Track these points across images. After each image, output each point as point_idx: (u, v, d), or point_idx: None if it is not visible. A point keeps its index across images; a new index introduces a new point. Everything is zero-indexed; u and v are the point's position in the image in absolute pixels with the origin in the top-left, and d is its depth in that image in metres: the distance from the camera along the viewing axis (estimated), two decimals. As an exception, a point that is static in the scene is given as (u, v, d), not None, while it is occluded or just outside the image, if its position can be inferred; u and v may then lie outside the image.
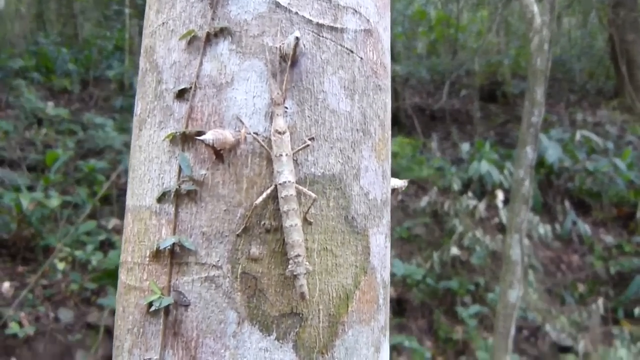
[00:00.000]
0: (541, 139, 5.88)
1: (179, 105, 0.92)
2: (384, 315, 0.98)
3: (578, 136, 6.45)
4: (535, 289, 5.46)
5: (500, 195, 5.85)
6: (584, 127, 7.05)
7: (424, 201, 6.22)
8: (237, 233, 0.86)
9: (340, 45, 0.95)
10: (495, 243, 5.74)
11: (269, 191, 0.86)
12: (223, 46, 0.92)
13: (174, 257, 0.87)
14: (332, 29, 0.95)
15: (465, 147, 6.74)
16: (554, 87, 7.70)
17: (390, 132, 1.07)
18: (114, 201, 5.93)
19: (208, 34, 0.92)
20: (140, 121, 0.99)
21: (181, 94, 0.92)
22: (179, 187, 0.89)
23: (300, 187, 0.87)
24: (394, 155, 6.27)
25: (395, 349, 4.87)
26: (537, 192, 6.00)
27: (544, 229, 5.58)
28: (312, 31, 0.93)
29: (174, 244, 0.87)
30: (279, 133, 0.86)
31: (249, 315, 0.84)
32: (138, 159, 0.97)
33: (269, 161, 0.88)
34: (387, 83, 1.06)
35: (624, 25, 8.12)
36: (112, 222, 5.74)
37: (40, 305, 4.72)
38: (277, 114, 0.88)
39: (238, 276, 0.85)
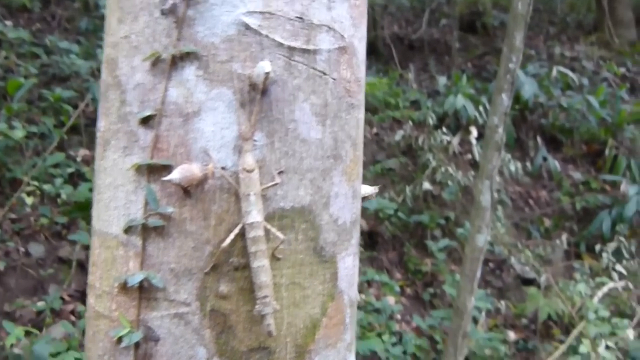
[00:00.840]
0: (518, 75, 5.85)
1: (145, 132, 0.89)
2: (350, 333, 1.01)
3: (554, 72, 6.43)
4: (503, 224, 5.63)
5: (474, 132, 5.88)
6: (562, 61, 7.02)
7: (398, 135, 6.23)
8: (206, 271, 0.86)
9: (313, 68, 0.92)
10: (467, 179, 5.84)
11: (237, 230, 0.85)
12: (189, 71, 0.88)
13: (143, 291, 0.88)
14: (305, 51, 0.91)
15: (442, 79, 6.68)
16: (534, 18, 7.58)
17: (362, 148, 1.06)
18: (82, 131, 5.79)
19: (174, 57, 0.88)
20: (104, 141, 0.95)
21: (146, 121, 0.89)
22: (146, 220, 0.87)
23: (269, 227, 0.86)
24: (370, 89, 6.20)
25: (366, 280, 5.05)
26: (511, 129, 6.05)
27: (515, 166, 5.68)
28: (283, 55, 0.89)
29: (142, 279, 0.87)
30: (247, 171, 0.85)
31: (218, 351, 0.86)
32: (103, 181, 0.95)
33: (237, 197, 0.86)
34: (360, 98, 1.03)
35: (609, -47, 7.90)
36: (82, 153, 5.63)
37: (10, 240, 4.70)
38: (246, 150, 0.85)
39: (207, 313, 0.86)
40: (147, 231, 0.88)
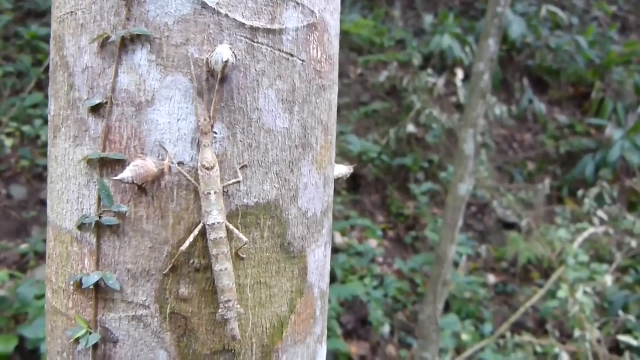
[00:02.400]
0: (506, 14, 5.69)
1: (95, 121, 0.82)
2: (320, 325, 0.98)
3: (543, 11, 6.26)
4: (486, 168, 5.63)
5: (460, 74, 5.78)
6: (551, 0, 6.82)
7: (383, 76, 6.10)
8: (165, 272, 0.81)
9: (279, 50, 0.84)
10: (451, 122, 5.78)
11: (196, 232, 0.79)
12: (141, 55, 0.79)
13: (100, 291, 0.83)
14: (269, 32, 0.82)
15: (428, 18, 6.49)
16: (526, -47, 7.28)
17: (335, 130, 0.99)
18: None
19: (123, 39, 0.79)
20: (54, 126, 0.88)
21: (96, 109, 0.81)
22: (100, 218, 0.81)
23: (232, 228, 0.80)
24: (355, 29, 6.00)
25: (349, 225, 5.06)
26: (497, 70, 5.95)
27: (500, 109, 5.62)
28: (245, 38, 0.81)
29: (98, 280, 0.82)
30: (207, 169, 0.78)
31: (179, 355, 0.82)
32: (55, 171, 0.88)
33: (197, 195, 0.80)
34: (332, 77, 0.95)
35: None
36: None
37: (-10, 182, 4.63)
38: (205, 145, 0.79)
39: (167, 316, 0.82)
40: (102, 229, 0.82)
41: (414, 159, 5.82)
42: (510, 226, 5.37)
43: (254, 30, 0.81)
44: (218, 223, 0.79)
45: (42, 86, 5.43)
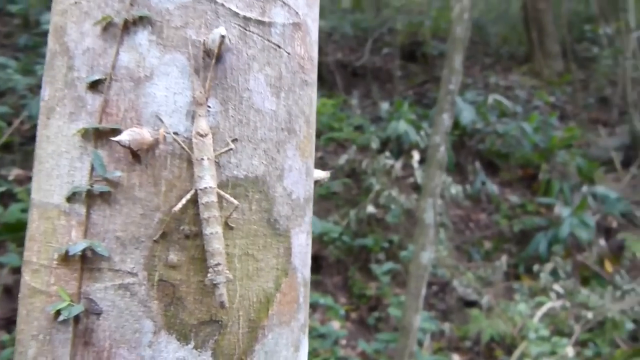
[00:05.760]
0: (457, 102, 6.07)
1: (93, 97, 0.86)
2: (303, 313, 0.99)
3: (490, 99, 6.71)
4: (445, 247, 5.74)
5: (416, 156, 6.02)
6: (497, 90, 7.34)
7: (342, 159, 6.30)
8: (155, 239, 0.82)
9: (268, 40, 0.91)
10: (409, 202, 5.94)
11: (188, 196, 0.82)
12: (142, 36, 0.85)
13: (85, 261, 0.83)
14: (260, 22, 0.90)
15: (384, 106, 6.84)
16: (470, 49, 7.91)
17: (315, 127, 1.05)
18: (16, 149, 5.55)
19: (126, 22, 0.85)
20: (48, 109, 0.91)
21: (95, 85, 0.86)
22: (91, 187, 0.83)
23: (222, 193, 0.84)
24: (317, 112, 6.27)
25: (310, 305, 4.99)
26: (450, 153, 6.23)
27: (455, 189, 5.83)
28: (239, 25, 0.88)
29: (85, 248, 0.82)
30: (201, 136, 0.82)
31: (166, 324, 0.82)
32: (45, 150, 0.90)
33: (190, 163, 0.84)
34: (313, 76, 1.03)
35: (537, -7, 8.40)
36: (14, 172, 5.39)
37: None
38: (200, 115, 0.83)
39: (155, 284, 0.82)
40: (92, 198, 0.83)
41: (374, 239, 5.90)
42: (471, 304, 5.40)
43: (247, 19, 0.89)
44: (210, 187, 0.82)
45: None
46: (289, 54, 0.95)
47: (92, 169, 0.84)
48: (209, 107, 0.85)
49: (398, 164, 6.19)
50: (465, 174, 6.39)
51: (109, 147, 0.84)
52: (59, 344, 0.82)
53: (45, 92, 0.93)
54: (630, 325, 4.67)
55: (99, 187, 0.83)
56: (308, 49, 1.00)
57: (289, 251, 0.94)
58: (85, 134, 0.85)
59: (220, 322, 0.84)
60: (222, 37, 0.82)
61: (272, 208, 0.91)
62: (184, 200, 0.81)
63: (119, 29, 0.86)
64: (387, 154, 6.18)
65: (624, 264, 5.31)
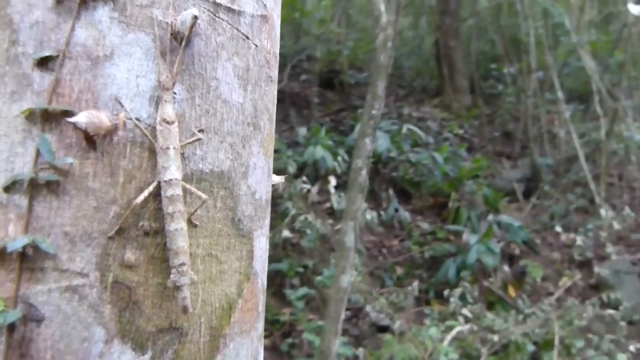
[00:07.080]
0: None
1: (41, 75, 0.76)
2: (261, 322, 0.92)
3: (404, 129, 6.94)
4: (359, 272, 5.78)
5: (332, 181, 6.07)
6: (410, 120, 7.61)
7: (259, 182, 6.22)
8: (110, 235, 0.73)
9: (237, 29, 0.86)
10: (325, 227, 5.95)
11: (151, 188, 0.74)
12: (103, 12, 0.77)
13: (25, 260, 0.72)
14: (230, 10, 0.85)
15: (302, 131, 6.87)
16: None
17: (274, 126, 1.01)
18: None
19: (83, -5, 0.77)
20: (-19, 88, 0.80)
21: (44, 62, 0.76)
22: (36, 175, 0.73)
23: (188, 186, 0.77)
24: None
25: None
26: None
27: (370, 215, 5.92)
28: (208, 10, 0.83)
29: (25, 245, 0.72)
30: (167, 123, 0.75)
31: (119, 332, 0.73)
32: (-23, 135, 0.78)
33: (152, 153, 0.76)
34: (276, 74, 0.99)
35: (448, 32, 8.89)
36: None
37: None
38: (166, 100, 0.76)
39: (108, 285, 0.73)
40: (37, 188, 0.73)
41: (289, 264, 5.83)
42: (383, 329, 5.45)
43: (217, 5, 0.84)
44: (175, 179, 0.75)
45: None
46: (256, 46, 0.90)
47: (38, 155, 0.74)
48: (175, 93, 0.78)
49: (314, 189, 6.21)
50: (379, 201, 6.51)
51: (58, 131, 0.75)
52: (-12, 356, 0.71)
53: (-21, 70, 0.81)
54: (531, 347, 4.89)
55: (44, 176, 0.73)
56: (273, 44, 0.96)
57: (251, 254, 0.87)
58: (31, 116, 0.75)
59: (180, 330, 0.76)
60: (195, 18, 0.76)
61: (236, 207, 0.84)
62: (145, 193, 0.73)
63: (76, 3, 0.77)
64: (304, 178, 6.18)
65: (526, 289, 5.60)
